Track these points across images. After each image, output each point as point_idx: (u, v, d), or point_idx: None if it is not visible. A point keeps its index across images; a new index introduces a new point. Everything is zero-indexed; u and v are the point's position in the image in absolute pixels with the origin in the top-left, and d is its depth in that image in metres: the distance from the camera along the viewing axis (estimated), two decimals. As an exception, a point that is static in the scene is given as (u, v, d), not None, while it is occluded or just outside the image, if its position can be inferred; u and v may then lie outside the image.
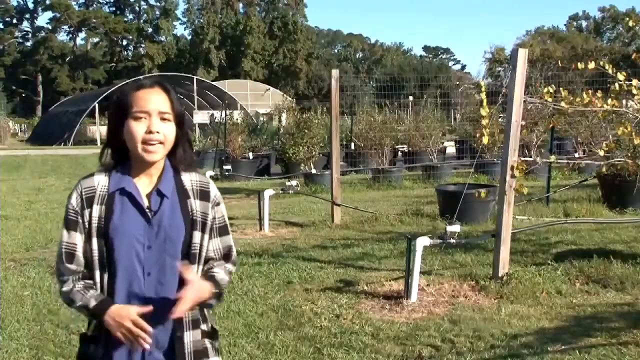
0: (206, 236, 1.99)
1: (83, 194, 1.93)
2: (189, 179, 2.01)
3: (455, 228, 5.39)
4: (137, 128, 1.87)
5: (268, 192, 8.45)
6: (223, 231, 2.04)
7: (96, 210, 1.91)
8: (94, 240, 1.90)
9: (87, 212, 1.91)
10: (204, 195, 2.00)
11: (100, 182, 1.94)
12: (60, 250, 1.94)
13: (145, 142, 1.87)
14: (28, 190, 13.71)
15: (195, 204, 1.97)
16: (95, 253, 1.90)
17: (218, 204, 2.03)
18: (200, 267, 1.99)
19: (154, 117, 1.88)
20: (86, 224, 1.91)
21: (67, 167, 20.22)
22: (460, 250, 6.57)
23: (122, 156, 1.95)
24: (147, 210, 1.91)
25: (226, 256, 2.06)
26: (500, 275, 5.44)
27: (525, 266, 5.82)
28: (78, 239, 1.92)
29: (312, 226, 8.49)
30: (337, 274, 5.96)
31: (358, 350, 4.11)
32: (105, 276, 1.91)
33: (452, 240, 5.44)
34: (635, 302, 4.96)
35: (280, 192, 9.23)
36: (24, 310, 5.09)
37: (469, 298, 5.17)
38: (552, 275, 5.53)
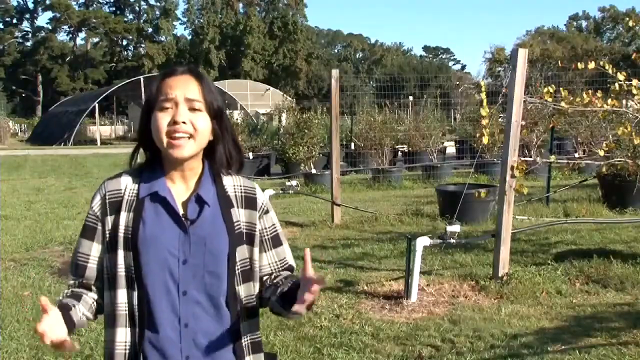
0: (256, 250, 1.71)
1: (107, 197, 1.66)
2: (232, 184, 1.73)
3: (455, 228, 5.39)
4: (162, 119, 1.61)
5: (268, 192, 8.45)
6: (276, 242, 1.77)
7: (123, 217, 1.63)
8: (120, 253, 1.62)
9: (110, 219, 1.65)
10: (249, 202, 1.72)
11: (129, 185, 1.67)
12: (72, 260, 1.72)
13: (170, 134, 1.60)
14: (28, 190, 13.71)
15: (240, 213, 1.69)
16: (122, 268, 1.62)
17: (267, 212, 1.75)
18: (256, 285, 1.72)
19: (180, 106, 1.61)
20: (108, 232, 1.64)
21: (67, 167, 20.22)
22: (460, 250, 6.57)
23: (155, 158, 1.70)
24: (183, 219, 1.63)
25: (284, 269, 1.78)
26: (500, 275, 5.44)
27: (525, 266, 5.82)
28: (94, 249, 1.67)
29: (312, 226, 8.49)
30: (337, 274, 5.96)
31: (358, 350, 4.11)
32: (135, 296, 1.61)
33: (452, 240, 5.44)
34: (635, 302, 4.96)
35: (280, 192, 9.23)
36: (24, 310, 5.08)
37: (469, 298, 5.17)
38: (552, 275, 5.53)
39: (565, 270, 5.68)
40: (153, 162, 1.69)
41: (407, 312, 4.85)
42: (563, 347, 4.06)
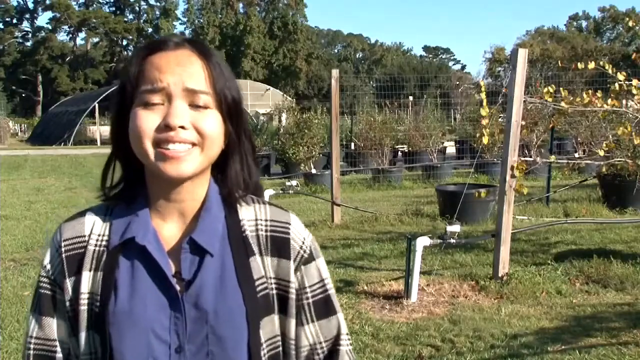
0: (291, 322, 1.12)
1: (64, 250, 1.08)
2: (252, 218, 1.13)
3: (455, 228, 5.39)
4: (146, 120, 1.02)
5: (268, 192, 8.45)
6: (323, 309, 1.15)
7: (87, 280, 1.06)
8: (82, 336, 1.06)
9: (68, 283, 1.07)
10: (280, 246, 1.12)
11: (95, 227, 1.10)
12: (25, 352, 1.10)
13: (160, 143, 1.02)
14: (28, 190, 13.70)
15: (266, 264, 1.10)
16: (86, 358, 1.06)
17: (309, 261, 1.14)
18: None
19: (176, 101, 1.02)
20: (69, 304, 1.07)
21: (67, 167, 20.21)
22: (460, 250, 6.57)
23: (136, 179, 1.12)
24: (174, 280, 1.05)
25: (333, 354, 1.16)
26: (500, 275, 5.44)
27: (525, 266, 5.82)
28: (55, 329, 1.09)
29: (312, 226, 8.49)
30: (337, 274, 5.96)
31: (358, 350, 4.11)
32: None
33: (452, 240, 5.44)
34: (635, 302, 4.96)
35: (280, 192, 9.23)
36: (24, 310, 5.08)
37: (469, 298, 5.17)
38: (552, 275, 5.53)
39: (565, 270, 5.68)
40: (132, 186, 1.11)
41: (407, 312, 4.85)
42: (563, 347, 4.06)
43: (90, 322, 1.05)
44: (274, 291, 1.10)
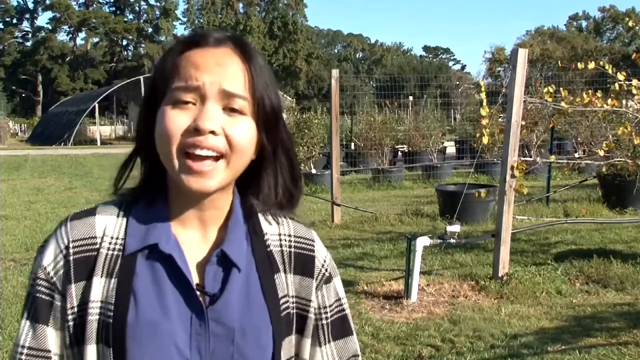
0: (307, 342, 1.07)
1: (73, 252, 0.97)
2: (276, 233, 1.07)
3: (455, 228, 5.40)
4: (176, 120, 0.94)
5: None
6: (340, 329, 1.11)
7: (98, 287, 0.96)
8: (90, 350, 0.95)
9: (75, 289, 0.96)
10: (303, 264, 1.07)
11: (109, 229, 1.00)
12: None
13: (187, 150, 0.93)
14: (28, 190, 13.70)
15: (289, 282, 1.05)
16: None
17: (329, 280, 1.10)
18: None
19: (210, 103, 0.94)
20: (72, 313, 0.96)
21: (67, 167, 20.21)
22: (460, 250, 6.57)
23: (156, 180, 1.03)
24: (198, 293, 0.97)
25: None
26: (500, 275, 5.44)
27: (525, 266, 5.82)
28: (51, 340, 0.97)
29: (312, 226, 8.45)
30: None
31: (358, 350, 4.11)
32: None
33: (452, 240, 5.44)
34: (635, 302, 4.96)
35: (280, 192, 9.23)
36: (24, 310, 5.09)
37: (469, 298, 5.17)
38: (552, 275, 5.54)
39: (565, 270, 5.68)
40: (152, 187, 1.02)
41: (407, 312, 4.85)
42: (563, 347, 4.06)
43: (101, 334, 0.94)
44: (294, 310, 1.05)
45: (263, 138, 1.00)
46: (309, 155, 14.61)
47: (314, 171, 13.48)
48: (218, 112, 0.94)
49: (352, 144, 15.88)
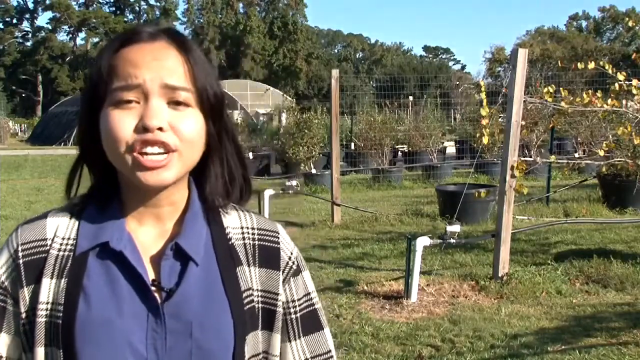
0: (276, 337, 1.04)
1: (22, 255, 0.98)
2: (238, 226, 1.05)
3: (455, 228, 5.40)
4: (121, 122, 0.92)
5: (268, 192, 8.45)
6: (311, 324, 1.09)
7: (47, 288, 0.95)
8: (39, 351, 0.94)
9: (26, 292, 0.96)
10: (268, 257, 1.05)
11: (60, 230, 0.99)
12: None
13: (137, 148, 0.92)
14: (28, 190, 13.70)
15: (252, 276, 1.02)
16: None
17: (297, 273, 1.07)
18: None
19: (153, 99, 0.93)
20: (24, 317, 0.96)
21: (67, 167, 19.87)
22: (460, 250, 6.57)
23: (107, 183, 1.02)
24: (153, 289, 0.95)
25: None
26: (500, 275, 5.44)
27: (525, 266, 5.82)
28: (3, 345, 0.97)
29: (312, 226, 8.49)
30: (337, 274, 5.96)
31: (358, 350, 4.11)
32: None
33: (452, 240, 5.44)
34: (635, 302, 4.96)
35: (280, 192, 9.23)
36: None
37: (469, 298, 5.17)
38: (552, 275, 5.54)
39: (565, 270, 5.68)
40: (104, 189, 1.01)
41: (407, 312, 4.85)
42: (563, 347, 4.06)
43: (50, 335, 0.93)
44: (260, 305, 1.01)
45: (210, 127, 0.98)
46: (309, 155, 14.62)
47: (314, 171, 13.47)
48: (163, 107, 0.93)
49: (352, 144, 15.88)
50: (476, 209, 8.24)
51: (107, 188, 1.00)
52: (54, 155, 24.95)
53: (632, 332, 4.29)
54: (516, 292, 5.18)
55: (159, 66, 0.93)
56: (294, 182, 9.34)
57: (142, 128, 0.91)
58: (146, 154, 0.92)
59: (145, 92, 0.92)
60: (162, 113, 0.92)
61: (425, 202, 9.99)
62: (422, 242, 5.22)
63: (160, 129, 0.91)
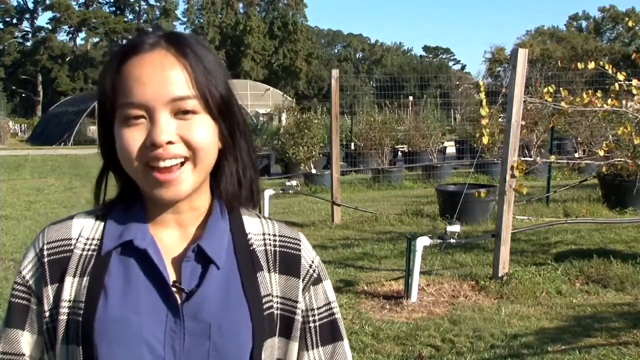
0: (294, 346, 1.04)
1: (47, 254, 0.98)
2: (260, 232, 1.05)
3: (455, 228, 5.39)
4: (130, 140, 0.93)
5: (268, 192, 8.45)
6: (330, 334, 1.07)
7: (69, 287, 0.96)
8: (61, 350, 0.96)
9: (50, 291, 0.97)
10: (289, 264, 1.04)
11: (85, 231, 1.01)
12: None
13: (150, 164, 0.93)
14: (28, 190, 13.70)
15: (273, 282, 1.02)
16: None
17: (318, 282, 1.06)
18: None
19: (160, 115, 0.92)
20: (48, 315, 0.97)
21: (67, 167, 20.21)
22: (460, 250, 6.57)
23: (132, 189, 1.02)
24: (173, 289, 0.96)
25: None
26: (500, 275, 5.44)
27: (525, 266, 5.82)
28: (25, 344, 0.98)
29: (312, 226, 8.49)
30: (337, 274, 5.96)
31: (358, 350, 4.11)
32: None
33: (452, 240, 5.44)
34: (635, 302, 4.96)
35: (280, 192, 9.23)
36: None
37: (469, 298, 5.17)
38: (552, 275, 5.54)
39: (565, 270, 5.68)
40: (130, 193, 1.02)
41: (407, 312, 4.85)
42: (563, 347, 4.06)
43: (70, 333, 0.94)
44: (279, 311, 1.01)
45: (222, 127, 0.98)
46: (309, 155, 14.62)
47: (314, 171, 13.47)
48: (169, 121, 0.93)
49: (352, 144, 15.88)
50: (476, 209, 8.24)
51: (131, 192, 1.01)
52: (54, 155, 24.96)
53: (632, 332, 4.29)
54: (516, 292, 5.18)
55: (160, 79, 0.92)
56: (294, 182, 9.34)
57: (151, 144, 0.92)
58: (159, 168, 0.92)
59: (150, 107, 0.92)
60: (169, 127, 0.92)
61: (425, 202, 9.99)
62: (422, 242, 5.22)
63: (170, 142, 0.92)
